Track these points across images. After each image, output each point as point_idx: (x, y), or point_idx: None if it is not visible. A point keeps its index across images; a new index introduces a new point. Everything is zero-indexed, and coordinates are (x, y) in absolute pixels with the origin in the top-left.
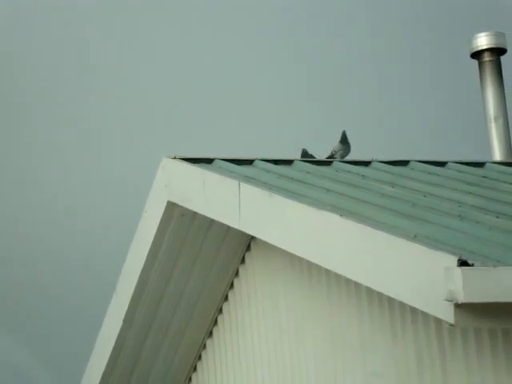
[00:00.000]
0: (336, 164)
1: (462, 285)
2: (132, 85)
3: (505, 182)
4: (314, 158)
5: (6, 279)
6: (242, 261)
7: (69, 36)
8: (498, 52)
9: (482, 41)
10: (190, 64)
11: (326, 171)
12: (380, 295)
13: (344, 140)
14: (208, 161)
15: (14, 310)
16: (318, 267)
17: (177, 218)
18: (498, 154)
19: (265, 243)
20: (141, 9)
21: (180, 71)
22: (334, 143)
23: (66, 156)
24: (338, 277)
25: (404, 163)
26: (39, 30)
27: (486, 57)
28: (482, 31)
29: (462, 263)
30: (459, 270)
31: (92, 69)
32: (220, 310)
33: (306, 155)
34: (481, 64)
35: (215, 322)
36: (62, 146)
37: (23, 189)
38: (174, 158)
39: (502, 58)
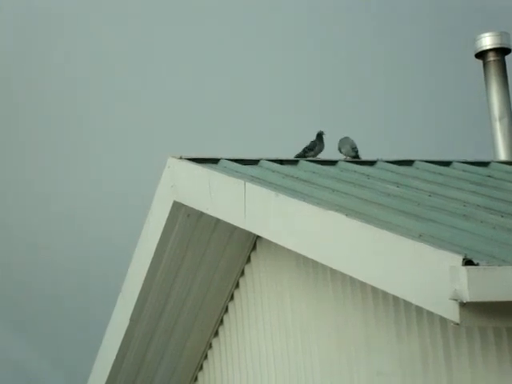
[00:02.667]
0: (341, 164)
1: (467, 284)
2: (136, 86)
3: (510, 182)
4: (321, 144)
5: (9, 282)
6: (248, 260)
7: (70, 35)
8: (502, 52)
9: (487, 41)
10: (193, 65)
11: (332, 171)
12: (385, 294)
13: (320, 138)
14: (214, 161)
15: (20, 311)
16: (324, 266)
17: (183, 217)
18: (502, 154)
19: (270, 243)
20: (146, 9)
21: (182, 72)
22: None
23: (69, 156)
24: (343, 276)
25: (409, 163)
26: (39, 34)
27: (491, 57)
28: (487, 31)
29: (467, 262)
30: (464, 269)
31: (94, 72)
32: (226, 310)
33: (319, 137)
34: (485, 64)
35: (221, 322)
36: (64, 146)
37: (25, 191)
38: (180, 158)
39: (507, 57)
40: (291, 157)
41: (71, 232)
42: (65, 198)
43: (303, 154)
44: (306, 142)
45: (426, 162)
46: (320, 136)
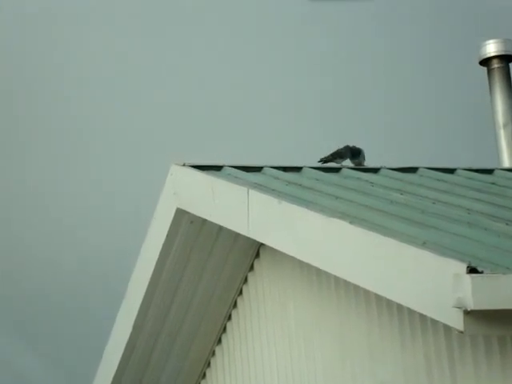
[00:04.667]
0: (345, 171)
1: (471, 292)
2: (137, 87)
3: None
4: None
5: (9, 283)
6: (251, 268)
7: (71, 36)
8: (506, 59)
9: (491, 48)
10: (194, 65)
11: (335, 178)
12: (389, 302)
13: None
14: (217, 168)
15: (27, 319)
16: (327, 274)
17: (186, 224)
18: (506, 161)
19: (274, 250)
20: (147, 11)
21: (184, 73)
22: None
23: (71, 159)
24: (347, 284)
25: (413, 170)
26: (40, 34)
27: (495, 64)
28: (491, 38)
29: (471, 270)
30: (468, 277)
31: (94, 74)
32: (229, 317)
33: (357, 153)
34: (490, 71)
35: (224, 329)
36: (66, 149)
37: (25, 192)
38: (183, 166)
39: (511, 64)
40: (293, 161)
41: (73, 234)
42: (67, 200)
43: (332, 159)
44: (309, 149)
45: (430, 169)
46: (349, 149)
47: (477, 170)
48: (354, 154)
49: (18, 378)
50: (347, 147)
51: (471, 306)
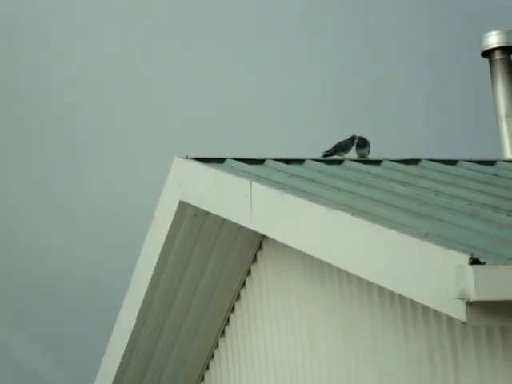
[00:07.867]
0: (347, 163)
1: (473, 283)
2: (139, 86)
3: None
4: (351, 148)
5: (10, 283)
6: (254, 260)
7: (76, 39)
8: (508, 50)
9: (493, 39)
10: (196, 64)
11: (337, 170)
12: (392, 294)
13: (352, 142)
14: (220, 160)
15: (29, 314)
16: (330, 266)
17: (189, 217)
18: (509, 152)
19: (276, 242)
20: (148, 10)
21: (185, 72)
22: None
23: (74, 156)
24: (349, 276)
25: (415, 162)
26: (45, 34)
27: (497, 55)
28: (493, 29)
29: (474, 261)
30: (471, 268)
31: (100, 72)
32: (232, 309)
33: (352, 140)
34: (492, 62)
35: (227, 321)
36: (72, 146)
37: (29, 192)
38: (186, 158)
39: None
40: (295, 153)
41: (74, 227)
42: (71, 198)
43: (334, 152)
44: (313, 142)
45: (432, 160)
46: (353, 140)
47: (479, 162)
48: (361, 144)
49: (19, 375)
50: (352, 138)
51: (473, 297)
